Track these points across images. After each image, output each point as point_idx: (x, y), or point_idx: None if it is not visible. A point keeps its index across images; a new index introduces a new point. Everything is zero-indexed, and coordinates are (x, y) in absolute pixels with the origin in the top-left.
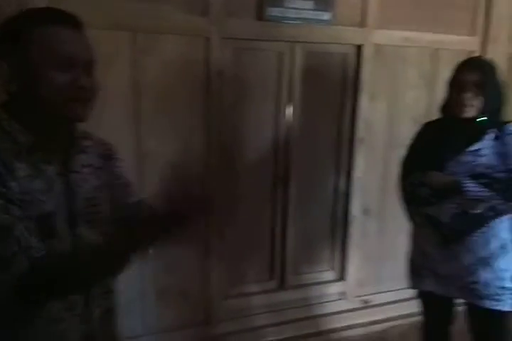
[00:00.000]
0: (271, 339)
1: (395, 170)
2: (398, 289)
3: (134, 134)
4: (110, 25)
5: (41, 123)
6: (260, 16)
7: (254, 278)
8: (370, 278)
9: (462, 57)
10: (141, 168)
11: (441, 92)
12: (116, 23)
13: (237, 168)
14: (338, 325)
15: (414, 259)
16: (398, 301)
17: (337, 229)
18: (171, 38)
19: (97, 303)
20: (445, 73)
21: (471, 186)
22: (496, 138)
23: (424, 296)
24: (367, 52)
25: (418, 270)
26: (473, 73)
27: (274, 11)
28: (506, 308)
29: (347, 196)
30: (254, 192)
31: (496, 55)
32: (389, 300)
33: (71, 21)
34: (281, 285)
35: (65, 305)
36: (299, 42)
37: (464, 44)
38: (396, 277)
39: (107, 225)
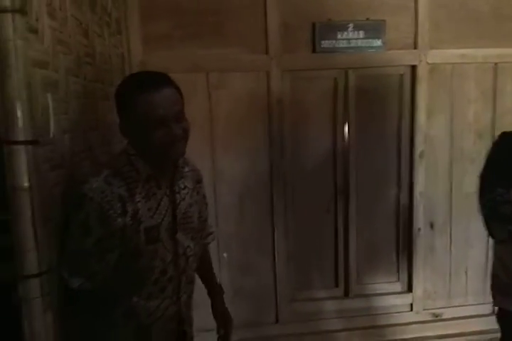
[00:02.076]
0: None
1: (459, 184)
2: (471, 304)
3: (210, 155)
4: (188, 68)
5: (153, 161)
6: (314, 49)
7: (321, 285)
8: (438, 291)
9: None
10: (216, 184)
11: (504, 105)
12: (193, 67)
13: (299, 182)
14: (406, 337)
15: (499, 276)
16: (471, 317)
17: (401, 241)
18: (238, 75)
19: (183, 290)
20: (507, 86)
21: None
22: None
23: (509, 316)
24: (421, 72)
25: (505, 288)
26: None
27: (326, 44)
28: None
29: (410, 209)
30: (316, 203)
31: None
32: (461, 315)
33: (161, 83)
34: (347, 294)
35: (157, 288)
36: (352, 68)
37: None
38: (469, 292)
39: (196, 235)
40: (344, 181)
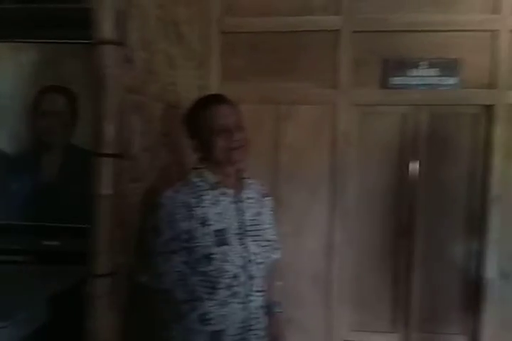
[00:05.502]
0: None
1: None
2: None
3: (272, 182)
4: (259, 100)
5: (219, 169)
6: (384, 85)
7: (376, 328)
8: None
9: None
10: (277, 211)
11: None
12: (263, 98)
13: (361, 217)
14: None
15: None
16: None
17: (469, 290)
18: (306, 108)
19: (254, 297)
20: None
21: None
22: None
23: None
24: (498, 112)
25: None
26: None
27: (397, 80)
28: None
29: (481, 257)
30: (378, 242)
31: None
32: None
33: (218, 100)
34: (405, 340)
35: (230, 293)
36: (424, 105)
37: None
38: None
39: (265, 243)
40: (409, 221)
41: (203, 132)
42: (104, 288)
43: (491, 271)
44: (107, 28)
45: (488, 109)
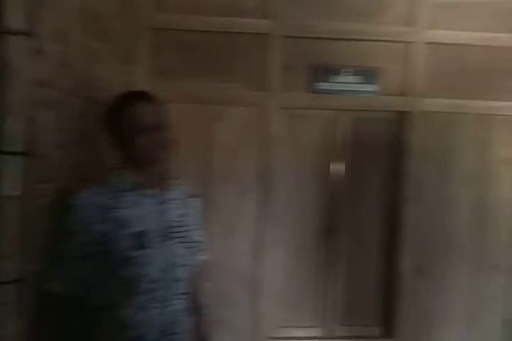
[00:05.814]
0: None
1: (448, 230)
2: None
3: (204, 182)
4: (191, 99)
5: (140, 168)
6: (310, 90)
7: (302, 323)
8: (423, 337)
9: None
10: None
11: (491, 155)
12: (195, 98)
13: (289, 216)
14: None
15: None
16: None
17: (386, 284)
18: (237, 109)
19: (176, 301)
20: (497, 137)
21: None
22: None
23: None
24: (413, 119)
25: None
26: None
27: (322, 86)
28: None
29: (397, 253)
30: (305, 240)
31: None
32: None
33: (141, 97)
34: (328, 334)
35: (148, 298)
36: (347, 110)
37: None
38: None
39: (189, 245)
40: (333, 220)
41: (124, 130)
42: (10, 296)
43: (406, 265)
44: (15, 16)
45: (404, 115)
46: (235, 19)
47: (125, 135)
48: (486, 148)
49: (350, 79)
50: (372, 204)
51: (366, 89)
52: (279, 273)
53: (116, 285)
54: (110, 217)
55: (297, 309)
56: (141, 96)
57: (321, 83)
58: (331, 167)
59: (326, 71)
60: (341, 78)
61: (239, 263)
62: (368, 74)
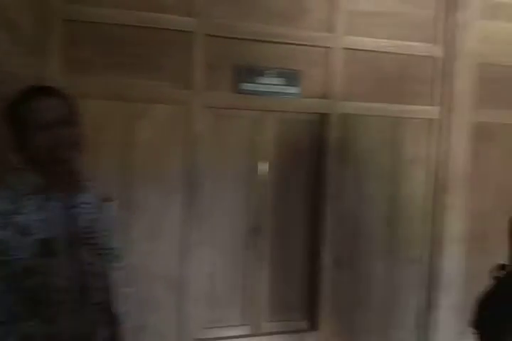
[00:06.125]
0: None
1: (365, 226)
2: None
3: (125, 183)
4: (110, 96)
5: (43, 170)
6: (235, 90)
7: (228, 322)
8: (345, 327)
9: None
10: (130, 214)
11: (406, 155)
12: (114, 95)
13: (216, 216)
14: None
15: None
16: None
17: (309, 279)
18: (161, 107)
19: (88, 311)
20: (409, 138)
21: None
22: None
23: None
24: (333, 120)
25: None
26: None
27: (247, 86)
28: None
29: (318, 247)
30: (230, 241)
31: (457, 122)
32: None
33: (42, 92)
34: (255, 331)
35: (56, 309)
36: (270, 111)
37: (424, 113)
38: (372, 330)
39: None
40: (259, 219)
41: (23, 127)
42: None
43: (326, 259)
44: None
45: (325, 117)
46: (158, 15)
47: (24, 133)
48: (399, 149)
49: (274, 80)
50: (296, 202)
51: (289, 91)
52: (205, 274)
53: (17, 298)
54: (9, 223)
55: (225, 308)
56: (44, 91)
57: (245, 83)
58: (257, 167)
59: (250, 72)
60: (265, 79)
61: (164, 266)
62: (291, 77)
